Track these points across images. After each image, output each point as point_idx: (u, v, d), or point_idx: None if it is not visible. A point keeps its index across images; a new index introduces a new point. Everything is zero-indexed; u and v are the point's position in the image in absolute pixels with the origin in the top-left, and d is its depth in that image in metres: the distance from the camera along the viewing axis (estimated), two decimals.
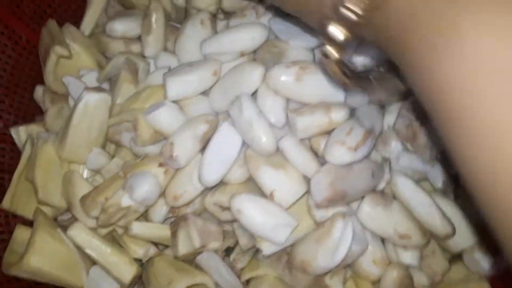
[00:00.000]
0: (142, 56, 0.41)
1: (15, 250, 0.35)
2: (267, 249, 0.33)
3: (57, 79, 0.40)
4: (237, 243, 0.37)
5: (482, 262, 0.34)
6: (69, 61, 0.41)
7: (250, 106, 0.32)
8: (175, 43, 0.39)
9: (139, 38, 0.42)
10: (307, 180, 0.33)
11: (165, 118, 0.35)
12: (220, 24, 0.41)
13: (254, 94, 0.35)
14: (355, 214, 0.34)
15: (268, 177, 0.33)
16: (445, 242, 0.35)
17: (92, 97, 0.36)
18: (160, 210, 0.36)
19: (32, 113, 0.42)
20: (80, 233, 0.35)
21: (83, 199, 0.34)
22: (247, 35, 0.36)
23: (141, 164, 0.35)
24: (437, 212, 0.33)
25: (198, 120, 0.35)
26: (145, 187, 0.34)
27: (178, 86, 0.36)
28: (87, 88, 0.36)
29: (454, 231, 0.34)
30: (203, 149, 0.35)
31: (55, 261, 0.34)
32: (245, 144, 0.34)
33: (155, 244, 0.38)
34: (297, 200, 0.33)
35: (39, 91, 0.42)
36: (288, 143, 0.33)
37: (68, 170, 0.38)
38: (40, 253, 0.33)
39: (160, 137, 0.36)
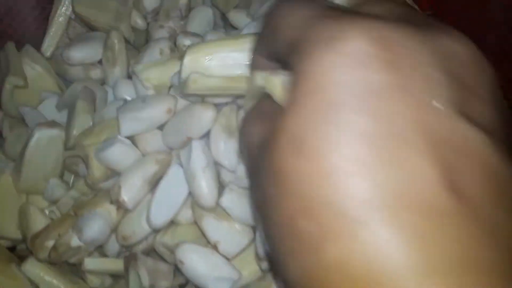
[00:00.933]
0: (102, 82, 0.41)
1: None
2: None
3: (15, 106, 0.40)
4: (188, 281, 0.38)
5: None
6: (30, 84, 0.41)
7: (198, 158, 0.32)
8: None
9: (98, 63, 0.41)
10: (254, 228, 0.33)
11: (117, 156, 0.35)
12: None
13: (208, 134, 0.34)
14: None
15: (212, 228, 0.32)
16: None
17: (44, 133, 0.36)
18: (113, 246, 0.37)
19: None
20: (33, 269, 0.36)
21: (33, 239, 0.35)
22: None
23: (92, 202, 0.35)
24: None
25: (148, 160, 0.35)
26: (93, 228, 0.34)
27: (131, 123, 0.35)
28: (39, 124, 0.36)
29: None
30: (152, 189, 0.34)
31: None
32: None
33: (112, 275, 0.39)
34: (243, 250, 0.33)
35: None
36: (228, 201, 0.32)
37: (26, 201, 0.38)
38: None
39: (113, 173, 0.36)
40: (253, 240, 0.33)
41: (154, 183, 0.34)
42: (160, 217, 0.33)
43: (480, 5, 0.38)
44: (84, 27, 0.43)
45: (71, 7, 0.42)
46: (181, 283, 0.38)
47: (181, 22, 0.41)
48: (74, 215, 0.35)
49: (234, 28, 0.42)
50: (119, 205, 0.34)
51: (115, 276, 0.39)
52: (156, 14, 0.42)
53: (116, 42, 0.39)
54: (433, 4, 0.42)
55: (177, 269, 0.37)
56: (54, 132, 0.36)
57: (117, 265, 0.37)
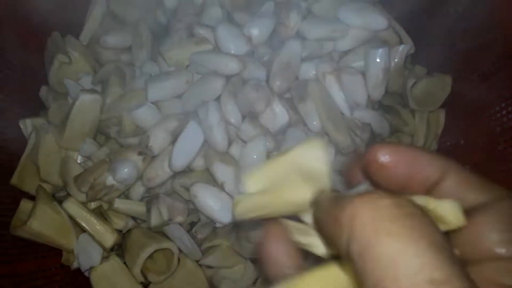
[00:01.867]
0: (130, 64, 0.50)
1: (20, 217, 0.43)
2: (218, 223, 0.42)
3: (59, 81, 0.49)
4: (199, 219, 0.46)
5: None
6: (70, 66, 0.50)
7: (214, 114, 0.41)
8: (157, 54, 0.48)
9: (127, 49, 0.50)
10: None
11: (145, 115, 0.44)
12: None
13: (218, 99, 0.44)
14: None
15: (220, 171, 0.41)
16: None
17: (86, 97, 0.44)
18: (138, 190, 0.45)
19: (37, 109, 0.51)
20: (72, 206, 0.43)
21: (76, 177, 0.43)
22: (224, 63, 0.43)
23: (123, 152, 0.44)
24: None
25: (170, 118, 0.44)
26: (125, 170, 0.42)
27: (157, 91, 0.44)
28: (82, 90, 0.45)
29: None
30: (173, 141, 0.43)
31: (52, 226, 0.43)
32: (206, 140, 0.42)
33: (134, 218, 0.47)
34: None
35: (43, 90, 0.50)
36: (234, 149, 0.41)
37: (65, 155, 0.46)
38: (40, 219, 0.42)
39: (140, 131, 0.45)
40: None
41: (175, 136, 0.43)
42: (179, 161, 0.42)
43: None
44: (115, 21, 0.53)
45: (105, 5, 0.52)
46: (193, 220, 0.46)
47: (195, 19, 0.51)
48: (109, 161, 0.44)
49: (238, 24, 0.53)
50: (147, 151, 0.43)
51: (136, 220, 0.47)
52: (176, 12, 0.52)
53: (144, 30, 0.49)
54: None
55: (190, 209, 0.45)
56: (95, 96, 0.45)
57: (140, 206, 0.45)
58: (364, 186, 0.19)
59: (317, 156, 0.20)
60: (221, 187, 0.42)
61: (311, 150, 0.20)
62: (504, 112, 0.42)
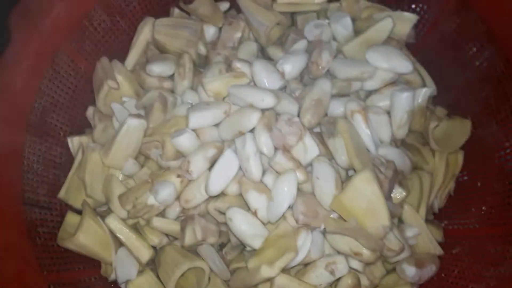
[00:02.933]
0: (172, 91, 0.54)
1: (66, 229, 0.47)
2: (249, 247, 0.45)
3: (105, 104, 0.53)
4: (229, 240, 0.49)
5: (408, 272, 0.46)
6: (115, 90, 0.54)
7: (251, 145, 0.45)
8: (198, 84, 0.52)
9: (170, 77, 0.54)
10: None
11: (185, 142, 0.48)
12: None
13: (252, 130, 0.47)
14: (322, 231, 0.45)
15: (254, 199, 0.45)
16: (395, 256, 0.46)
17: (133, 121, 0.48)
18: (174, 210, 0.49)
19: (83, 127, 0.55)
20: (114, 221, 0.47)
21: (121, 196, 0.47)
22: (261, 97, 0.47)
23: (164, 174, 0.48)
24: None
25: (209, 145, 0.47)
26: (166, 191, 0.46)
27: (197, 119, 0.48)
28: (130, 114, 0.49)
29: (403, 249, 0.45)
30: (211, 167, 0.47)
31: (95, 240, 0.46)
32: (241, 168, 0.46)
33: (168, 236, 0.50)
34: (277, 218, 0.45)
35: (90, 110, 0.54)
36: (268, 178, 0.45)
37: (108, 173, 0.50)
38: (86, 233, 0.45)
39: (180, 155, 0.49)
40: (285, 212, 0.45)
41: (212, 162, 0.47)
42: (215, 186, 0.46)
43: None
44: (158, 50, 0.57)
45: (150, 34, 0.56)
46: (223, 242, 0.49)
47: (233, 51, 0.55)
48: (150, 182, 0.47)
49: (271, 59, 0.57)
50: (186, 176, 0.46)
51: (170, 237, 0.50)
52: (215, 45, 0.57)
53: (187, 62, 0.53)
54: None
55: (220, 231, 0.49)
56: (141, 121, 0.49)
57: (175, 225, 0.48)
58: None
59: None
60: (254, 213, 0.45)
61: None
62: None
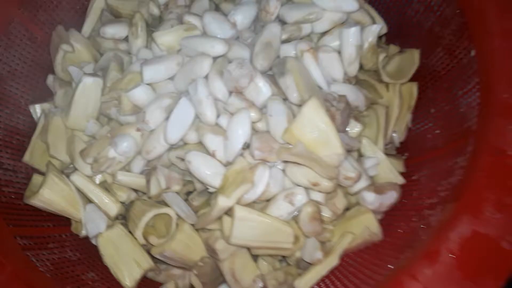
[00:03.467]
0: (127, 52, 0.55)
1: (32, 189, 0.48)
2: (211, 187, 0.46)
3: (63, 69, 0.54)
4: (195, 189, 0.51)
5: (367, 197, 0.47)
6: (73, 56, 0.55)
7: (202, 89, 0.46)
8: (151, 42, 0.53)
9: (124, 39, 0.55)
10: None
11: (141, 95, 0.49)
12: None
13: (206, 77, 0.48)
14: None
15: (211, 141, 0.46)
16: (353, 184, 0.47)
17: (89, 79, 0.50)
18: (138, 164, 0.50)
19: (45, 96, 0.56)
20: (79, 179, 0.48)
21: (82, 151, 0.48)
22: (211, 45, 0.48)
23: (123, 128, 0.49)
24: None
25: (164, 96, 0.48)
26: (125, 143, 0.47)
27: (151, 73, 0.49)
28: (85, 73, 0.50)
29: (360, 176, 0.46)
30: (167, 117, 0.48)
31: (61, 196, 0.47)
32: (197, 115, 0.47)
33: (135, 191, 0.51)
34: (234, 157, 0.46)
35: (50, 78, 0.56)
36: (223, 120, 0.46)
37: (71, 134, 0.51)
38: (51, 189, 0.46)
39: (138, 109, 0.50)
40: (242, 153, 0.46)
41: (168, 112, 0.48)
42: (174, 134, 0.47)
43: None
44: (112, 16, 0.58)
45: (103, 0, 0.57)
46: (189, 190, 0.51)
47: (185, 9, 0.56)
48: (110, 136, 0.49)
49: (224, 14, 0.58)
50: (143, 126, 0.48)
51: (138, 192, 0.51)
52: (167, 6, 0.58)
53: (139, 20, 0.54)
54: None
55: (186, 180, 0.50)
56: (96, 79, 0.50)
57: (141, 179, 0.50)
58: None
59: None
60: (212, 155, 0.47)
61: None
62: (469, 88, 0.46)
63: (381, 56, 0.52)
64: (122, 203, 0.50)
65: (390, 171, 0.51)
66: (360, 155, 0.52)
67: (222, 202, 0.42)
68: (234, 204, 0.42)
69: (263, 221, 0.43)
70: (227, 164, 0.47)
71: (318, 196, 0.47)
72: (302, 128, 0.43)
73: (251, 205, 0.47)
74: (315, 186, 0.45)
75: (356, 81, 0.53)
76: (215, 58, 0.49)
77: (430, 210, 0.42)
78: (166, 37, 0.51)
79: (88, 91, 0.50)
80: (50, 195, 0.46)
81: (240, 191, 0.42)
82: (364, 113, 0.53)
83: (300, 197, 0.45)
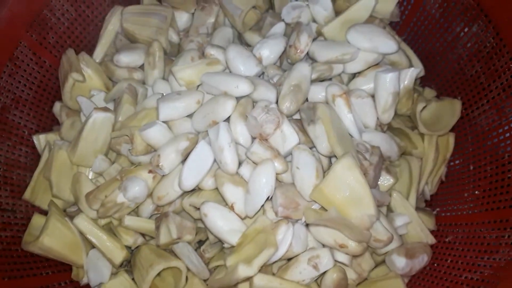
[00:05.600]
0: (142, 82, 0.51)
1: (32, 233, 0.44)
2: (226, 244, 0.42)
3: (72, 98, 0.50)
4: (207, 238, 0.46)
5: (398, 263, 0.43)
6: (83, 83, 0.51)
7: (225, 135, 0.41)
8: (169, 73, 0.49)
9: (139, 67, 0.51)
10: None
11: (155, 134, 0.45)
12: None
13: (228, 119, 0.44)
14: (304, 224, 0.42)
15: (230, 192, 0.42)
16: (383, 247, 0.43)
17: (99, 115, 0.45)
18: (147, 208, 0.46)
19: (50, 124, 0.52)
20: (83, 222, 0.44)
21: (88, 195, 0.44)
22: (235, 84, 0.44)
23: (134, 170, 0.45)
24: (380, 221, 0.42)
25: (181, 137, 0.44)
26: (136, 188, 0.43)
27: (168, 110, 0.45)
28: (95, 108, 0.46)
29: (392, 239, 0.42)
30: (183, 160, 0.44)
31: (63, 242, 0.43)
32: (216, 161, 0.43)
33: (143, 235, 0.47)
34: (255, 212, 0.42)
35: (57, 106, 0.51)
36: (245, 170, 0.42)
37: (77, 171, 0.47)
38: (52, 235, 0.42)
39: (151, 149, 0.46)
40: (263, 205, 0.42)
41: (185, 155, 0.44)
42: (189, 181, 0.43)
43: None
44: (128, 40, 0.54)
45: (118, 23, 0.53)
46: (200, 239, 0.46)
47: (207, 38, 0.52)
48: (120, 179, 0.44)
49: (248, 45, 0.54)
50: (157, 171, 0.43)
51: (146, 237, 0.47)
52: (187, 32, 0.53)
53: (157, 50, 0.49)
54: None
55: (198, 228, 0.46)
56: (107, 115, 0.46)
57: (149, 224, 0.45)
58: None
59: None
60: (231, 207, 0.42)
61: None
62: None
63: (420, 106, 0.47)
64: (128, 247, 0.46)
65: (421, 230, 0.47)
66: (390, 210, 0.48)
67: (243, 271, 0.37)
68: (254, 274, 0.38)
69: None
70: (246, 218, 0.43)
71: (342, 257, 0.43)
72: (334, 187, 0.39)
73: (270, 266, 0.42)
74: (342, 248, 0.41)
75: (388, 128, 0.49)
76: (238, 98, 0.45)
77: None
78: (186, 72, 0.47)
79: (98, 127, 0.46)
80: (51, 242, 0.42)
81: (263, 259, 0.38)
82: (395, 163, 0.49)
83: (326, 261, 0.41)
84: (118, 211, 0.44)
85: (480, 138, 0.46)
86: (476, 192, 0.45)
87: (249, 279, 0.39)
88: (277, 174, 0.42)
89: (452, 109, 0.48)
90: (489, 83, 0.45)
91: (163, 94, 0.48)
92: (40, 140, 0.49)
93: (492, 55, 0.44)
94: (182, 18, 0.54)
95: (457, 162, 0.49)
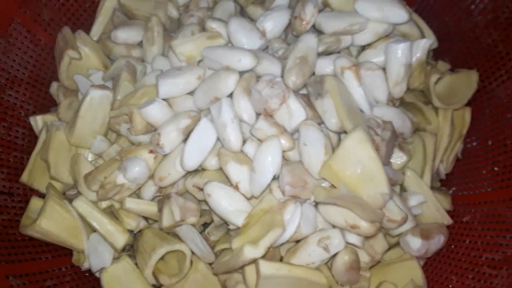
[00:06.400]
0: (141, 60, 0.49)
1: (30, 216, 0.42)
2: (232, 225, 0.40)
3: (69, 77, 0.48)
4: (212, 220, 0.44)
5: (413, 244, 0.41)
6: (80, 61, 0.49)
7: (227, 111, 0.39)
8: (169, 49, 0.47)
9: (138, 44, 0.49)
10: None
11: (155, 112, 0.43)
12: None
13: (230, 95, 0.42)
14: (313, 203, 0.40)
15: (234, 171, 0.40)
16: (397, 227, 0.41)
17: (96, 93, 0.43)
18: (149, 190, 0.44)
19: (48, 105, 0.50)
20: (82, 205, 0.42)
21: (86, 176, 0.42)
22: (237, 58, 0.41)
23: (134, 150, 0.43)
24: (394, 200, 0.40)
25: (182, 115, 0.42)
26: (136, 168, 0.41)
27: (168, 87, 0.43)
28: (92, 85, 0.44)
29: (406, 219, 0.40)
30: (185, 139, 0.42)
31: (62, 226, 0.42)
32: (219, 138, 0.41)
33: (146, 218, 0.45)
34: (261, 190, 0.40)
35: (54, 86, 0.49)
36: (249, 147, 0.40)
37: (75, 153, 0.45)
38: (50, 218, 0.41)
39: (151, 128, 0.44)
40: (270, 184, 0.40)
41: (186, 134, 0.42)
42: (192, 160, 0.41)
43: None
44: (126, 16, 0.52)
45: None
46: (206, 222, 0.45)
47: (207, 12, 0.50)
48: (120, 159, 0.43)
49: (251, 19, 0.51)
50: (158, 150, 0.42)
51: (149, 220, 0.46)
52: (187, 7, 0.51)
53: (156, 25, 0.47)
54: None
55: (203, 210, 0.44)
56: (105, 93, 0.44)
57: (151, 206, 0.44)
58: None
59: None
60: (235, 187, 0.40)
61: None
62: None
63: (434, 77, 0.45)
64: (131, 231, 0.45)
65: (436, 209, 0.44)
66: (403, 189, 0.45)
67: (249, 253, 0.35)
68: (261, 255, 0.36)
69: (293, 276, 0.37)
70: (251, 198, 0.41)
71: (354, 238, 0.41)
72: (344, 163, 0.37)
73: (277, 248, 0.40)
74: (354, 228, 0.39)
75: (400, 103, 0.47)
76: (241, 73, 0.42)
77: (493, 270, 0.35)
78: (186, 46, 0.44)
79: (95, 106, 0.44)
80: (49, 225, 0.41)
81: (269, 239, 0.36)
82: (408, 140, 0.46)
83: (337, 243, 0.39)
84: (119, 193, 0.42)
85: (498, 111, 0.44)
86: (496, 168, 0.42)
87: (255, 261, 0.37)
88: (283, 151, 0.40)
89: (468, 81, 0.45)
90: (508, 52, 0.42)
91: (162, 70, 0.46)
92: (37, 121, 0.48)
93: (511, 22, 0.41)
94: None
95: (473, 138, 0.46)
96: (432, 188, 0.46)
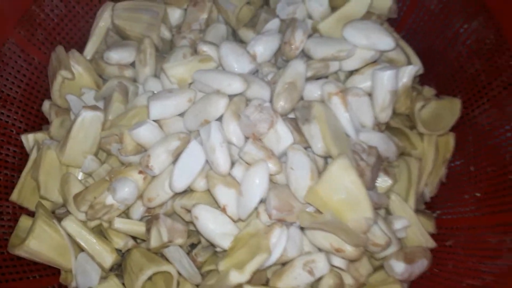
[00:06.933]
0: (133, 80, 0.49)
1: (18, 235, 0.43)
2: (218, 247, 0.41)
3: (61, 96, 0.49)
4: (200, 241, 0.45)
5: (397, 268, 0.42)
6: (73, 80, 0.49)
7: (216, 135, 0.40)
8: (161, 71, 0.47)
9: (131, 64, 0.50)
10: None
11: (146, 134, 0.43)
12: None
13: (220, 118, 0.43)
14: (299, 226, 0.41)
15: (222, 194, 0.40)
16: (381, 251, 0.42)
17: (88, 113, 0.44)
18: (138, 210, 0.44)
19: (40, 122, 0.50)
20: (71, 225, 0.43)
21: (76, 196, 0.42)
22: (227, 82, 0.42)
23: (124, 171, 0.43)
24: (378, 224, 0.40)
25: (172, 137, 0.43)
26: (125, 189, 0.42)
27: (159, 109, 0.44)
28: (84, 106, 0.44)
29: (390, 243, 0.40)
30: (174, 161, 0.42)
31: (50, 245, 0.42)
32: (207, 161, 0.42)
33: (134, 238, 0.46)
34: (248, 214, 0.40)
35: (46, 105, 0.50)
36: (237, 171, 0.41)
37: (66, 172, 0.46)
38: (38, 239, 0.41)
39: (142, 149, 0.44)
40: (257, 207, 0.41)
41: (176, 155, 0.42)
42: (180, 182, 0.41)
43: None
44: (119, 36, 0.52)
45: (109, 20, 0.52)
46: (193, 243, 0.45)
47: (199, 35, 0.51)
48: (109, 180, 0.43)
49: (243, 42, 0.52)
50: (147, 171, 0.42)
51: (137, 240, 0.46)
52: (179, 29, 0.52)
53: (148, 47, 0.48)
54: None
55: (190, 231, 0.44)
56: (96, 114, 0.44)
57: (140, 226, 0.44)
58: None
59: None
60: (223, 210, 0.41)
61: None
62: None
63: (419, 104, 0.46)
64: (119, 250, 0.45)
65: (420, 233, 0.45)
66: (388, 213, 0.46)
67: (235, 278, 0.36)
68: (247, 281, 0.36)
69: None
70: (238, 221, 0.42)
71: (339, 261, 0.42)
72: (329, 189, 0.38)
73: (264, 271, 0.41)
74: (339, 252, 0.40)
75: (386, 127, 0.48)
76: (231, 97, 0.43)
77: None
78: (178, 69, 0.45)
79: (87, 126, 0.44)
80: (38, 245, 0.41)
81: (255, 264, 0.37)
82: (394, 164, 0.47)
83: (322, 266, 0.40)
84: (108, 213, 0.43)
85: (481, 138, 0.45)
86: (477, 194, 0.43)
87: (241, 286, 0.37)
88: (270, 175, 0.41)
89: (452, 108, 0.47)
90: (490, 81, 0.43)
91: (154, 92, 0.47)
92: (29, 139, 0.48)
93: (493, 52, 0.43)
94: (175, 14, 0.52)
95: (457, 163, 0.47)
96: (417, 211, 0.47)
